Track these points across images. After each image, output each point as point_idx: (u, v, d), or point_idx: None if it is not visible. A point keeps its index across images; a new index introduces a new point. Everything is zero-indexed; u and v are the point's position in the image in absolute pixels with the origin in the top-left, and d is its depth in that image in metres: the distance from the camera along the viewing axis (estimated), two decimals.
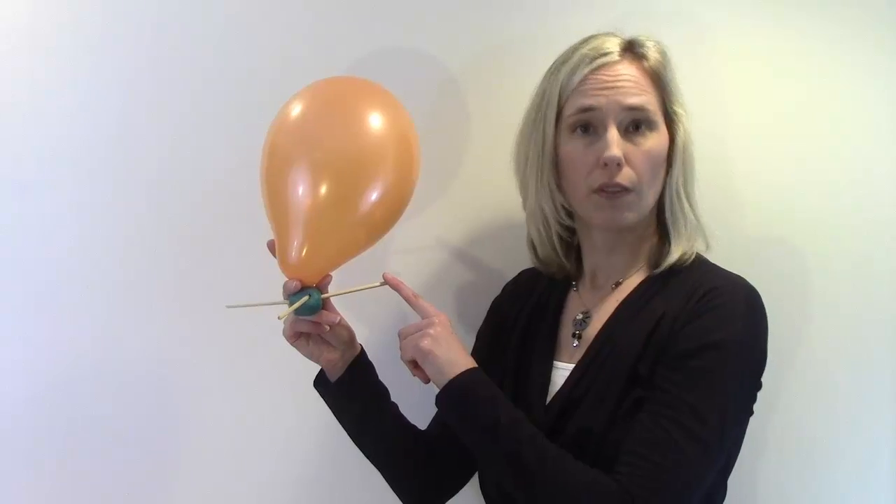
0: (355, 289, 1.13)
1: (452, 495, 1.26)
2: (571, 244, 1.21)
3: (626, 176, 1.06)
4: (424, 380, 1.10)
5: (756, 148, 1.38)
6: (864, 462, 1.40)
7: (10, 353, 1.35)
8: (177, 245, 1.37)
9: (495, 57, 1.39)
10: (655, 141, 1.08)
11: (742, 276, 1.10)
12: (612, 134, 1.06)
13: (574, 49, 1.12)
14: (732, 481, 1.13)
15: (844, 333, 1.38)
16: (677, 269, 1.11)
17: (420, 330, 1.09)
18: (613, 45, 1.10)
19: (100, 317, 1.36)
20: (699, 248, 1.14)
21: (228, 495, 1.40)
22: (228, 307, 1.10)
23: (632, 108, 1.07)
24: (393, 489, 1.22)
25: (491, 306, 1.31)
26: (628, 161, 1.06)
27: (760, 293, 1.08)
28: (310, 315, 1.08)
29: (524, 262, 1.28)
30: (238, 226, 1.35)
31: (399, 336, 1.12)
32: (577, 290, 1.20)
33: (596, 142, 1.08)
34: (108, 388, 1.37)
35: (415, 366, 1.10)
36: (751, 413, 1.10)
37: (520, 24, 1.38)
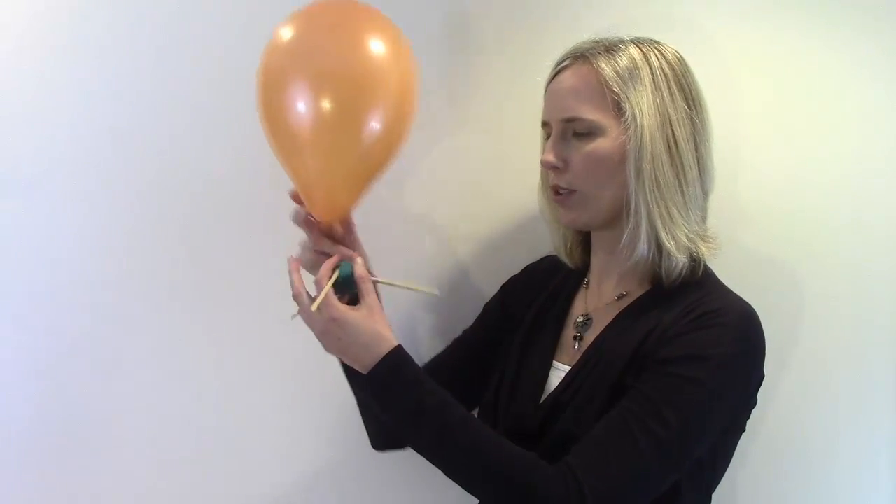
0: (404, 284, 1.11)
1: None
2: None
3: (562, 178, 1.11)
4: None
5: (751, 149, 1.37)
6: (862, 464, 1.41)
7: (11, 353, 1.35)
8: (177, 244, 1.36)
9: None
10: (597, 145, 1.08)
11: (744, 278, 1.11)
12: (550, 140, 1.12)
13: None
14: (726, 482, 1.12)
15: (842, 335, 1.39)
16: (680, 283, 1.09)
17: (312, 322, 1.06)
18: (575, 51, 1.13)
19: (100, 317, 1.36)
20: (679, 259, 1.08)
21: (231, 495, 1.40)
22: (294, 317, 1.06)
23: (567, 121, 1.10)
24: (366, 428, 1.26)
25: (506, 284, 1.32)
26: (568, 164, 1.10)
27: (756, 293, 1.09)
28: (347, 290, 1.07)
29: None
30: (240, 224, 1.35)
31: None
32: (587, 288, 1.21)
33: None
34: (107, 388, 1.36)
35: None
36: (741, 429, 1.11)
37: None
